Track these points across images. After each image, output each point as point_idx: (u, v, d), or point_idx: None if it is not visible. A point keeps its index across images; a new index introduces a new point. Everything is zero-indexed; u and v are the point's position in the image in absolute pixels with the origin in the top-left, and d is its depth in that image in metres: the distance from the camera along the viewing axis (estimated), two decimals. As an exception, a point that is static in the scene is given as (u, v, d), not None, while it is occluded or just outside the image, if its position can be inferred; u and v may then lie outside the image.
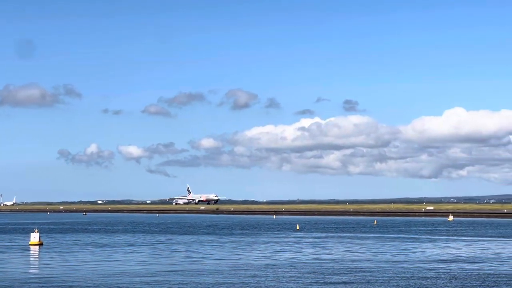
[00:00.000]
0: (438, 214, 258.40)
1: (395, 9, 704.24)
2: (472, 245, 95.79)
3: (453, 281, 53.69)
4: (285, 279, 55.19)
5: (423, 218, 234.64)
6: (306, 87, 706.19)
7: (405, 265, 65.59)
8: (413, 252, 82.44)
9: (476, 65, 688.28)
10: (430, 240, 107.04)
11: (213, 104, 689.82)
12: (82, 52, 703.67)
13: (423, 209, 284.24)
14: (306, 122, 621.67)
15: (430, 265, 65.73)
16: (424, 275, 57.58)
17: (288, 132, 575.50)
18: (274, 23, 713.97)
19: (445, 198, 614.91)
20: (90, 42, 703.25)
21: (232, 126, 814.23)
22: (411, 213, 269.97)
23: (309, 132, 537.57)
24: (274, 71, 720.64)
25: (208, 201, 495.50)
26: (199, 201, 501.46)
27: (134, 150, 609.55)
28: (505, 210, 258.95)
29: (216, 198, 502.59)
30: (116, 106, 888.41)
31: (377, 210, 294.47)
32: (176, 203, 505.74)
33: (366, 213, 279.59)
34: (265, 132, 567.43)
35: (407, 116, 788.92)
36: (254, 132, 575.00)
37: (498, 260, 72.02)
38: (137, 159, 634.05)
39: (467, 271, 60.59)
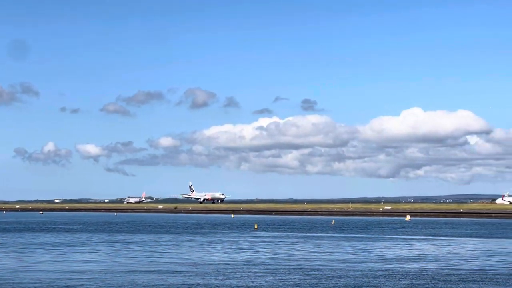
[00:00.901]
0: (395, 213, 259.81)
1: (352, 11, 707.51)
2: (427, 244, 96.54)
3: (402, 280, 53.98)
4: (236, 278, 55.11)
5: (380, 217, 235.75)
6: (265, 87, 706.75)
7: (358, 264, 65.96)
8: (368, 252, 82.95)
9: (433, 66, 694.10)
10: (387, 240, 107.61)
11: (172, 103, 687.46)
12: (39, 51, 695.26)
13: (380, 209, 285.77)
14: (264, 121, 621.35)
15: (383, 264, 66.19)
16: (375, 274, 57.86)
17: (247, 131, 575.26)
18: (232, 23, 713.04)
19: (402, 197, 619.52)
20: (48, 41, 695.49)
21: (191, 125, 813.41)
22: (369, 213, 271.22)
23: (267, 131, 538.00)
24: (232, 70, 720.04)
25: (213, 200, 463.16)
26: (204, 199, 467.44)
27: (92, 149, 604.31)
28: (462, 210, 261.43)
29: (222, 196, 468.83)
30: (73, 105, 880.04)
31: (335, 209, 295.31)
32: (127, 202, 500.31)
33: (324, 212, 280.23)
34: (223, 131, 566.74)
35: (365, 116, 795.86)
36: (212, 131, 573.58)
37: (452, 259, 72.60)
38: (95, 158, 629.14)
39: (419, 270, 61.10)
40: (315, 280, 53.69)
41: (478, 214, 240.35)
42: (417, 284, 51.75)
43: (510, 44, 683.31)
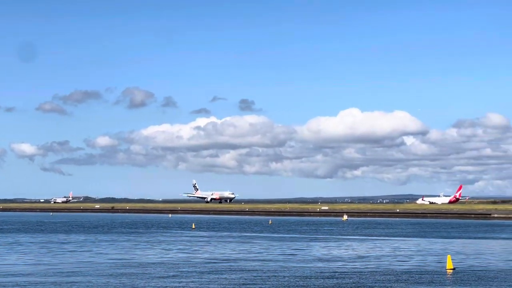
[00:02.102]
0: (332, 214, 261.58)
1: (290, 12, 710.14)
2: (363, 244, 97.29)
3: (329, 279, 54.34)
4: (163, 278, 54.94)
5: (318, 218, 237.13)
6: (203, 86, 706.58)
7: (290, 264, 66.20)
8: (303, 251, 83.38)
9: (370, 66, 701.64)
10: (323, 240, 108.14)
11: (109, 103, 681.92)
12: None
13: (318, 209, 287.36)
14: (202, 121, 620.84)
15: (315, 264, 66.57)
16: (305, 274, 58.09)
17: (184, 131, 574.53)
18: (169, 22, 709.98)
19: (340, 198, 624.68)
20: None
21: (129, 124, 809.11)
22: (306, 213, 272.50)
23: (205, 131, 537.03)
24: (170, 70, 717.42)
25: (220, 200, 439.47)
26: (211, 199, 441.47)
27: (27, 148, 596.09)
28: (398, 210, 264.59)
29: (232, 195, 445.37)
30: (8, 103, 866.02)
31: (273, 209, 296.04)
32: (54, 202, 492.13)
33: (261, 212, 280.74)
34: (161, 131, 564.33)
35: (303, 116, 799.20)
36: (150, 130, 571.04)
37: (385, 258, 73.28)
38: (31, 157, 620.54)
39: (351, 269, 61.52)
40: (244, 280, 53.70)
41: (414, 214, 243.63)
42: (344, 283, 52.24)
43: (445, 46, 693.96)
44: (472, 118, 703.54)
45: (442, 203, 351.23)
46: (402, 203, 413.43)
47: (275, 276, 56.63)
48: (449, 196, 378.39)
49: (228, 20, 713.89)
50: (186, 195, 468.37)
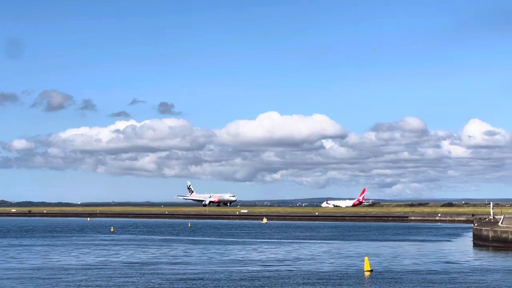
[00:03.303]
0: (252, 217, 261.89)
1: (206, 11, 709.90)
2: (282, 247, 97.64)
3: (242, 281, 54.45)
4: (70, 283, 54.20)
5: (237, 221, 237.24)
6: (122, 89, 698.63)
7: (202, 267, 66.36)
8: (221, 254, 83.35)
9: (289, 70, 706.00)
10: (241, 243, 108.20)
11: (26, 105, 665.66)
12: None
13: (237, 212, 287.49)
14: (121, 124, 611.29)
15: (229, 267, 66.72)
16: (217, 277, 58.17)
17: (103, 134, 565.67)
18: (87, 24, 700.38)
19: (259, 201, 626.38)
20: None
21: (46, 127, 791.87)
22: (225, 216, 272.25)
23: (124, 134, 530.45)
24: (89, 72, 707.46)
25: (219, 203, 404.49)
26: (210, 202, 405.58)
27: None
28: (317, 213, 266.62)
29: (233, 198, 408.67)
30: None
31: (192, 212, 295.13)
32: None
33: (181, 215, 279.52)
34: (80, 134, 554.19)
35: (222, 120, 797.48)
36: (68, 133, 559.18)
37: (304, 260, 73.76)
38: None
39: (269, 272, 61.73)
40: (153, 284, 53.54)
41: (333, 217, 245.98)
42: (260, 285, 52.36)
43: (363, 50, 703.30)
44: (390, 122, 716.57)
45: (346, 206, 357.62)
46: (321, 206, 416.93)
47: (188, 278, 56.46)
48: (353, 199, 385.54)
49: (145, 21, 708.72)
50: (181, 197, 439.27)
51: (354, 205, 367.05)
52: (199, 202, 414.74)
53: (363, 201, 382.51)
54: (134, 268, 65.36)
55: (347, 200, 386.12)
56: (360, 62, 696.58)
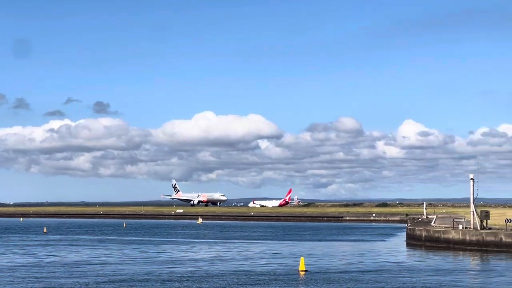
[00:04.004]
0: (188, 217, 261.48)
1: (145, 11, 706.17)
2: (217, 247, 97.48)
3: (176, 283, 54.20)
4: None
5: (173, 220, 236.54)
6: (56, 88, 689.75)
7: (134, 267, 65.88)
8: (156, 254, 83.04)
9: (225, 69, 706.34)
10: (177, 243, 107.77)
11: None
12: None
13: (173, 212, 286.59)
14: (55, 123, 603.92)
15: (160, 267, 66.31)
16: (147, 277, 57.77)
17: (37, 134, 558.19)
18: (21, 22, 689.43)
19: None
20: None
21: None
22: (161, 216, 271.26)
23: (58, 133, 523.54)
24: (23, 71, 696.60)
25: (207, 202, 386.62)
26: (199, 202, 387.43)
27: None
28: (252, 213, 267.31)
29: (223, 198, 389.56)
30: None
31: (128, 212, 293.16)
32: None
33: (116, 215, 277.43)
34: (12, 133, 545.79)
35: (158, 119, 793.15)
36: (1, 133, 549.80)
37: (239, 260, 73.69)
38: None
39: (204, 272, 61.50)
40: (80, 284, 52.97)
41: (268, 217, 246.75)
42: (184, 286, 52.31)
43: (297, 50, 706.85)
44: (326, 122, 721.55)
45: (273, 206, 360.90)
46: (248, 206, 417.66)
47: (116, 278, 56.00)
48: (279, 199, 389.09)
49: (82, 20, 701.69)
50: (168, 197, 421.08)
51: (280, 205, 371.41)
52: (186, 202, 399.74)
53: (289, 201, 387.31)
54: (64, 269, 64.45)
55: (274, 200, 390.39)
56: (295, 62, 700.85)
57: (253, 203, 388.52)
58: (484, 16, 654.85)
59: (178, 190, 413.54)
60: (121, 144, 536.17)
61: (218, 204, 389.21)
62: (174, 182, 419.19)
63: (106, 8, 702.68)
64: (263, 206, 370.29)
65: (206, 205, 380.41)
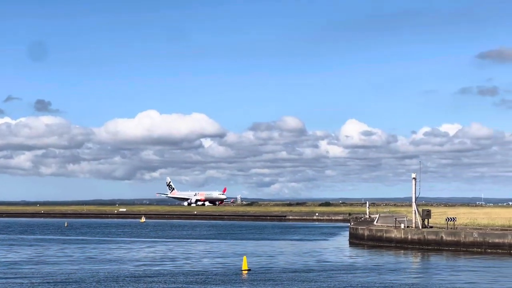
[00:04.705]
0: (131, 215, 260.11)
1: (95, 10, 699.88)
2: (159, 246, 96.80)
3: (108, 281, 53.64)
4: None
5: (116, 219, 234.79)
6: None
7: (72, 267, 65.10)
8: (93, 254, 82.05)
9: (167, 68, 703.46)
10: (119, 242, 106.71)
11: None
12: None
13: (115, 211, 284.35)
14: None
15: (100, 266, 65.66)
16: (82, 277, 56.95)
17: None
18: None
19: (138, 200, 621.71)
20: None
21: None
22: (103, 215, 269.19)
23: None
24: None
25: (204, 201, 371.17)
26: (196, 201, 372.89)
27: None
28: (195, 212, 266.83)
29: (222, 196, 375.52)
30: None
31: (69, 211, 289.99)
32: None
33: (57, 214, 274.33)
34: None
35: (101, 118, 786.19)
36: None
37: (181, 260, 73.20)
38: None
39: (145, 271, 60.83)
40: (13, 285, 51.98)
41: (211, 216, 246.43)
42: (120, 286, 51.88)
43: (239, 50, 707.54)
44: (269, 121, 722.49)
45: (208, 205, 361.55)
46: (199, 206, 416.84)
47: (48, 278, 55.13)
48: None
49: (20, 17, 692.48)
50: (164, 195, 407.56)
51: (215, 204, 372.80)
52: (183, 201, 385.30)
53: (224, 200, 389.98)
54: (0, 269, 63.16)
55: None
56: (238, 62, 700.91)
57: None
58: (425, 17, 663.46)
59: (173, 188, 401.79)
60: (63, 142, 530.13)
61: (217, 203, 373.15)
62: (168, 180, 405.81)
63: (49, 5, 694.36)
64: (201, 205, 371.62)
65: (203, 204, 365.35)
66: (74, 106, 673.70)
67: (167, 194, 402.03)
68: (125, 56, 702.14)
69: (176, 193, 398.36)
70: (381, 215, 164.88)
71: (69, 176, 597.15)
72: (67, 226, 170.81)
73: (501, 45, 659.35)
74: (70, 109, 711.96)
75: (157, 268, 64.71)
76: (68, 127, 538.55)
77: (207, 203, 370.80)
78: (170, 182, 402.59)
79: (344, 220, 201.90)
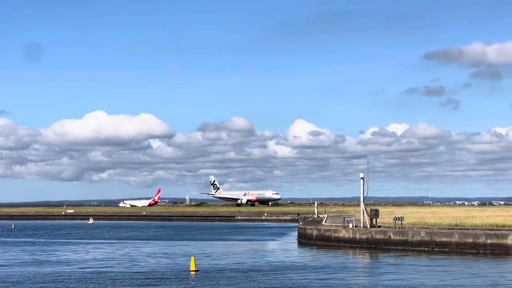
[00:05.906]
0: (78, 217, 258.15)
1: (37, 4, 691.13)
2: (105, 248, 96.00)
3: (54, 283, 53.27)
4: None
5: (63, 221, 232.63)
6: None
7: (16, 269, 64.38)
8: (43, 255, 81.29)
9: (116, 68, 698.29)
10: (66, 243, 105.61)
11: None
12: None
13: (63, 212, 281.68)
14: None
15: (46, 268, 64.92)
16: (19, 279, 56.32)
17: None
18: None
19: (86, 201, 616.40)
20: None
21: None
22: (51, 216, 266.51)
23: None
24: None
25: (254, 202, 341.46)
26: (247, 201, 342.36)
27: None
28: (144, 213, 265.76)
29: (277, 196, 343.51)
30: None
31: (16, 213, 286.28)
32: None
33: (4, 216, 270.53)
34: None
35: (48, 119, 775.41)
36: None
37: (128, 261, 72.71)
38: None
39: (85, 274, 60.44)
40: None
41: (160, 217, 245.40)
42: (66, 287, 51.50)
43: (180, 49, 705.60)
44: (217, 122, 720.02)
45: (142, 206, 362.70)
46: (118, 206, 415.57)
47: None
48: (149, 199, 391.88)
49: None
50: (211, 195, 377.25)
51: (150, 205, 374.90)
52: (231, 201, 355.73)
53: (159, 200, 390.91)
54: None
55: (144, 200, 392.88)
56: (184, 61, 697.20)
57: (123, 203, 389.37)
58: (372, 18, 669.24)
59: (218, 188, 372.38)
60: (9, 144, 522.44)
61: (270, 203, 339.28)
62: (213, 178, 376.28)
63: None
64: (133, 205, 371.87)
65: (253, 205, 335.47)
66: (21, 107, 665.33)
67: (213, 194, 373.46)
68: (70, 56, 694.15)
69: (221, 193, 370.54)
70: (330, 215, 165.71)
71: (16, 177, 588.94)
72: (14, 228, 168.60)
73: (446, 45, 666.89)
74: (16, 110, 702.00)
75: (104, 269, 64.20)
76: (14, 128, 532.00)
77: (256, 203, 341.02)
78: (214, 181, 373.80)
79: (292, 220, 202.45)
